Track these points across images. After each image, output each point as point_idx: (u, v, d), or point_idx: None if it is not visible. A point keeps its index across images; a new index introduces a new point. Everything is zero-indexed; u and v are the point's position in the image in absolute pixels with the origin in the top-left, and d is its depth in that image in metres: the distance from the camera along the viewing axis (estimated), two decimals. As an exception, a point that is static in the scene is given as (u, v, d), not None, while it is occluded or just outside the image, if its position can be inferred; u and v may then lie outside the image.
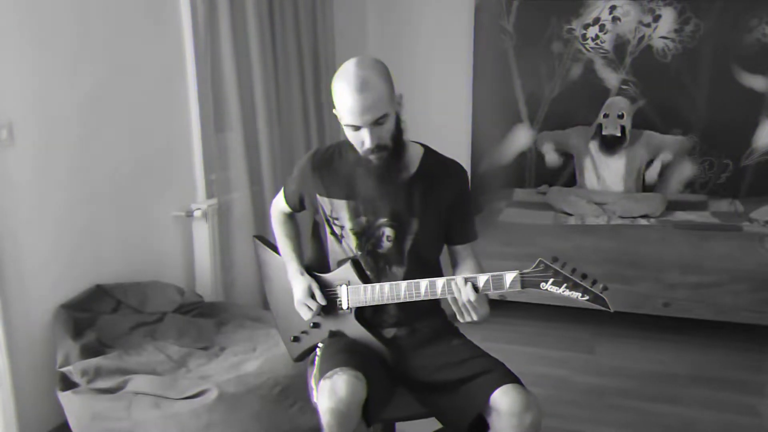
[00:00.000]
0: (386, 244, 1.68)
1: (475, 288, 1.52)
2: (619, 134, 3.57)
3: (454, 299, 1.54)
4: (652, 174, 3.49)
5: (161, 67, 2.70)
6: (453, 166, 1.71)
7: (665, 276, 2.98)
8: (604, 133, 3.60)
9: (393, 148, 1.58)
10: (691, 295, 2.95)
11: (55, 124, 2.25)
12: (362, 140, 1.55)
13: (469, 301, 1.51)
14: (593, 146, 3.70)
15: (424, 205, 1.66)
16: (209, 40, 2.79)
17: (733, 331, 3.07)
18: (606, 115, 3.62)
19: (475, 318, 1.54)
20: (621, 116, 3.58)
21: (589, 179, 3.74)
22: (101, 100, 2.42)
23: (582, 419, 2.44)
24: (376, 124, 1.53)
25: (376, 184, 1.61)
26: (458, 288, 1.53)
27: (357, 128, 1.54)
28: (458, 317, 1.56)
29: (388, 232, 1.67)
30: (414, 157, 1.67)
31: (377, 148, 1.55)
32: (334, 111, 1.60)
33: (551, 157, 3.53)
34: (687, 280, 2.95)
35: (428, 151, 1.71)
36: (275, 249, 1.90)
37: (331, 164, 1.71)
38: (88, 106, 2.37)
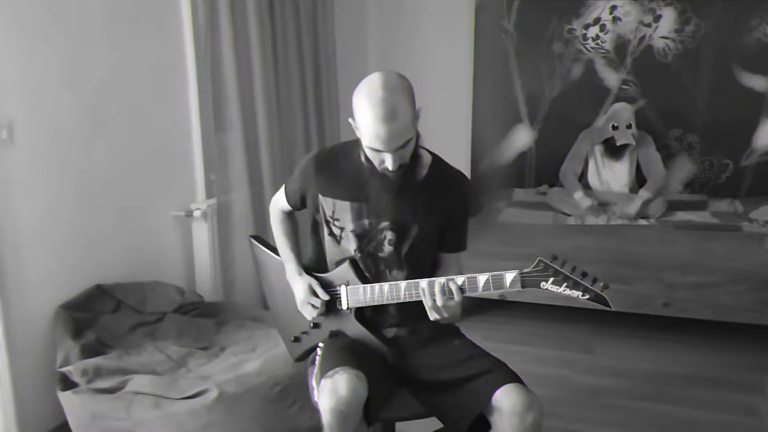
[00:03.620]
0: (387, 248, 1.68)
1: (472, 289, 1.54)
2: (633, 142, 3.58)
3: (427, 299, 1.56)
4: (630, 211, 3.42)
5: (161, 67, 2.70)
6: (458, 177, 1.72)
7: (665, 276, 2.98)
8: (618, 144, 3.59)
9: (409, 163, 1.59)
10: (691, 295, 2.95)
11: (54, 124, 2.25)
12: (383, 160, 1.55)
13: (435, 302, 1.54)
14: (598, 150, 3.70)
15: (427, 212, 1.67)
16: (209, 40, 2.79)
17: (733, 331, 3.07)
18: (615, 127, 3.60)
19: (445, 315, 1.57)
20: (629, 126, 3.58)
21: (592, 182, 3.74)
22: (101, 100, 2.42)
23: (581, 419, 2.44)
24: (401, 148, 1.53)
25: (389, 195, 1.62)
26: (440, 291, 1.54)
27: (379, 150, 1.54)
28: (429, 315, 1.58)
29: (389, 235, 1.67)
30: (422, 164, 1.67)
31: (398, 168, 1.56)
32: (350, 120, 1.59)
33: (584, 202, 3.52)
34: (687, 280, 2.95)
35: (436, 160, 1.71)
36: (273, 249, 1.90)
37: (335, 165, 1.71)
38: (88, 106, 2.37)
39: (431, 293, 1.56)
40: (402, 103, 1.49)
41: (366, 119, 1.50)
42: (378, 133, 1.49)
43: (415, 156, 1.62)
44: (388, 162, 1.54)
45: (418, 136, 1.61)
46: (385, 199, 1.64)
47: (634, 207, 3.44)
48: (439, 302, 1.54)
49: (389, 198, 1.63)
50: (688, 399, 2.58)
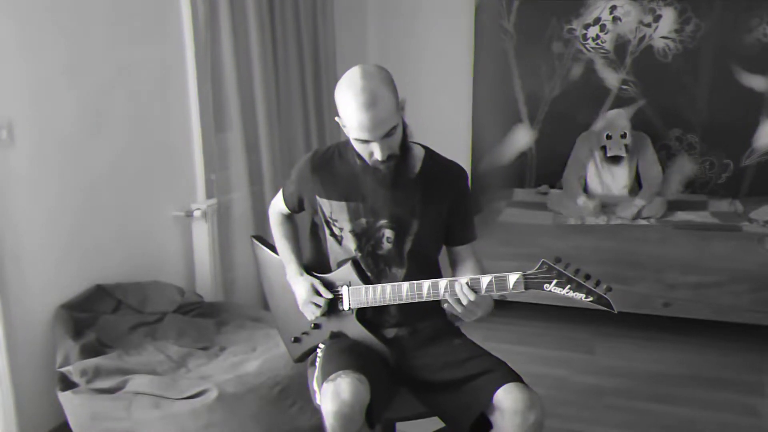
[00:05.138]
0: (386, 246, 1.68)
1: (474, 290, 1.52)
2: (624, 155, 3.58)
3: (457, 301, 1.54)
4: (627, 215, 3.43)
5: (161, 67, 2.70)
6: (454, 167, 1.71)
7: (665, 276, 2.98)
8: (609, 155, 3.60)
9: (400, 154, 1.59)
10: (691, 295, 2.95)
11: (55, 124, 2.24)
12: (371, 152, 1.55)
13: (470, 302, 1.52)
14: (597, 155, 3.70)
15: (425, 206, 1.66)
16: (209, 40, 2.79)
17: (733, 331, 3.07)
18: (609, 137, 3.61)
19: (480, 315, 1.56)
20: (624, 135, 3.58)
21: (593, 184, 3.74)
22: (101, 100, 2.42)
23: (581, 419, 2.44)
24: (387, 136, 1.53)
25: (384, 190, 1.62)
26: (455, 293, 1.54)
27: (366, 141, 1.54)
28: (463, 318, 1.57)
29: (388, 233, 1.67)
30: (415, 159, 1.67)
31: (387, 158, 1.55)
32: (336, 119, 1.59)
33: (587, 205, 3.53)
34: (687, 280, 2.95)
35: (429, 153, 1.71)
36: (274, 249, 1.90)
37: (330, 166, 1.71)
38: (88, 107, 2.37)
39: (453, 295, 1.54)
40: (382, 90, 1.50)
41: (349, 109, 1.50)
42: (361, 120, 1.49)
43: (406, 149, 1.62)
44: (377, 152, 1.54)
45: (405, 127, 1.61)
46: (381, 195, 1.63)
47: (630, 213, 3.44)
48: (469, 297, 1.52)
49: (384, 193, 1.63)
50: (688, 399, 2.58)
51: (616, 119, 3.64)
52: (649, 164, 3.65)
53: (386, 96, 1.50)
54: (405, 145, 1.61)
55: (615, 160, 3.63)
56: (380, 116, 1.49)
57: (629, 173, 3.66)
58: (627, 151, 3.59)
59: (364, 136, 1.52)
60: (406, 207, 1.66)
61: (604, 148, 3.63)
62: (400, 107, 1.57)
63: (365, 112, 1.48)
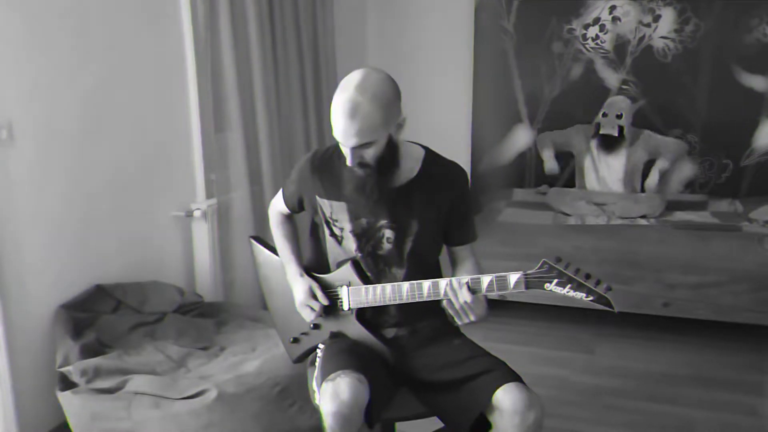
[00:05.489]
0: (386, 246, 1.68)
1: (473, 291, 1.52)
2: (616, 134, 3.57)
3: (450, 302, 1.55)
4: (651, 183, 3.51)
5: (161, 67, 2.70)
6: (453, 168, 1.71)
7: (665, 276, 2.98)
8: (601, 132, 3.61)
9: (376, 167, 1.57)
10: (691, 295, 2.95)
11: (54, 124, 2.24)
12: (346, 154, 1.56)
13: (465, 302, 1.52)
14: (594, 144, 3.70)
15: (424, 207, 1.66)
16: (209, 40, 2.79)
17: (733, 331, 3.07)
18: (605, 114, 3.62)
19: (472, 319, 1.55)
20: (619, 116, 3.58)
21: (589, 179, 3.74)
22: (101, 100, 2.42)
23: (581, 419, 2.44)
24: (360, 147, 1.53)
25: (356, 192, 1.61)
26: (454, 290, 1.53)
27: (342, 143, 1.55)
28: (456, 320, 1.57)
29: (388, 233, 1.67)
30: (414, 159, 1.67)
31: (358, 165, 1.56)
32: None
33: (551, 165, 3.55)
34: (687, 280, 2.95)
35: (429, 154, 1.70)
36: (272, 249, 1.90)
37: (330, 166, 1.71)
38: (88, 106, 2.37)
39: (452, 293, 1.54)
40: (369, 106, 1.48)
41: (333, 112, 1.52)
42: (337, 125, 1.51)
43: (387, 163, 1.59)
44: (348, 157, 1.55)
45: (391, 143, 1.57)
46: (357, 197, 1.62)
47: (653, 180, 3.44)
48: (465, 298, 1.52)
49: (358, 195, 1.61)
50: (688, 399, 2.58)
51: (617, 101, 3.68)
52: (659, 142, 3.67)
53: (372, 113, 1.48)
54: (384, 161, 1.58)
55: (608, 143, 3.62)
56: (355, 129, 1.49)
57: (625, 165, 3.65)
58: (621, 134, 3.58)
59: (338, 139, 1.54)
60: (405, 207, 1.65)
61: (597, 127, 3.63)
62: (396, 125, 1.55)
63: (341, 119, 1.49)
